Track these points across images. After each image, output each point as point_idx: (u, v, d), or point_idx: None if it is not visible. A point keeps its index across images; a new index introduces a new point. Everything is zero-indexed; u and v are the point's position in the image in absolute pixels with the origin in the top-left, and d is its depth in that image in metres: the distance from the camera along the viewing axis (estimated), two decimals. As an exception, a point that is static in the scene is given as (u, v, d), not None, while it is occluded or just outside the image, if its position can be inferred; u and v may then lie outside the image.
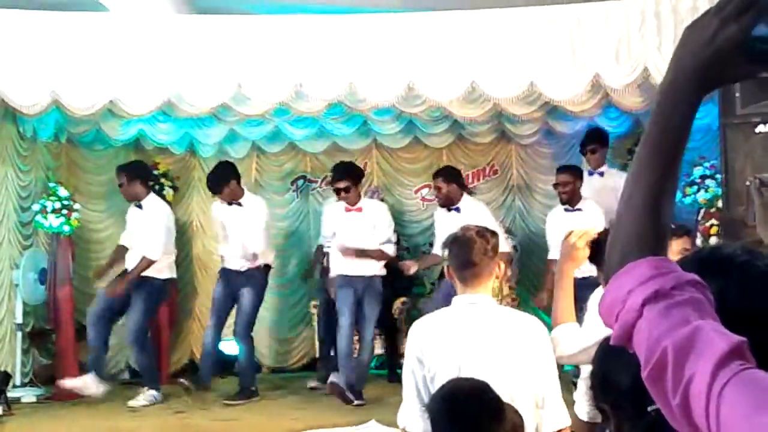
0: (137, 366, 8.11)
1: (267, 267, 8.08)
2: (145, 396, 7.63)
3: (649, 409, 1.88)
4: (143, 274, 7.67)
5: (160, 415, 7.10)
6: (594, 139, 8.23)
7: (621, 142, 9.00)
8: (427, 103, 7.46)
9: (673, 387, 1.07)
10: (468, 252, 3.52)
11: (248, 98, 7.28)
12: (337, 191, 7.78)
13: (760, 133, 6.03)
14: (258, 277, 7.92)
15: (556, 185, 7.89)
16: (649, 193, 1.22)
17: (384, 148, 9.57)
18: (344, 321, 7.51)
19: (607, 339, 2.24)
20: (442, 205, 7.91)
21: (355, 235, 7.69)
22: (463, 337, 3.48)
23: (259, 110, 7.64)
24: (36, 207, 8.03)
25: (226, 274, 7.98)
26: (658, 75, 6.79)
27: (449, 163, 8.95)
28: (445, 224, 7.24)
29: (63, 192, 8.10)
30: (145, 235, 7.75)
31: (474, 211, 7.51)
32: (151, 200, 7.94)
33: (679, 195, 7.89)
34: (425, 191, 9.51)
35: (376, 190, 9.12)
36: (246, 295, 7.83)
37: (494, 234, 3.65)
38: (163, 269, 7.87)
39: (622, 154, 9.00)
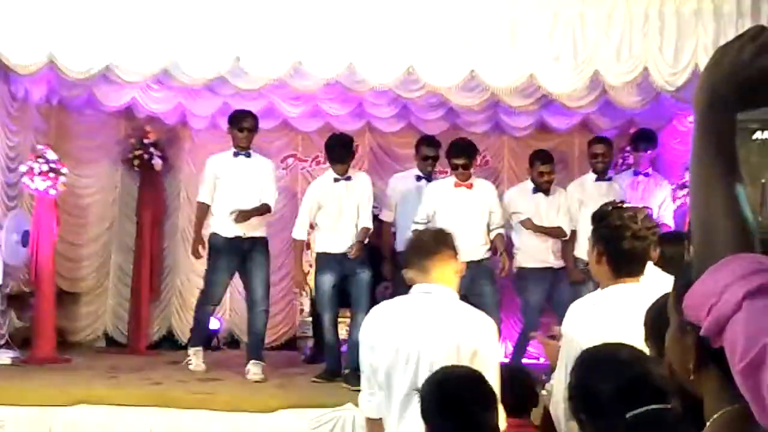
0: None
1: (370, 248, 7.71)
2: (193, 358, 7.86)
3: (627, 415, 2.01)
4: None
5: (138, 385, 7.04)
6: (653, 140, 8.16)
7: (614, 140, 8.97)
8: (425, 89, 7.42)
9: None
10: (426, 241, 3.81)
11: (245, 72, 7.20)
12: (455, 167, 7.52)
13: (757, 140, 6.03)
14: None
15: (595, 155, 7.84)
16: (723, 197, 1.26)
17: (377, 132, 9.52)
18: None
19: (585, 352, 2.36)
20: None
21: (465, 212, 7.42)
22: (411, 325, 3.58)
23: (256, 85, 7.58)
24: (23, 168, 7.94)
25: (326, 260, 7.53)
26: (658, 75, 6.78)
27: (442, 150, 8.60)
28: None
29: (51, 155, 8.00)
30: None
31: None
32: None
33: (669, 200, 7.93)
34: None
35: None
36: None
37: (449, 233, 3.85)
38: (218, 224, 7.62)
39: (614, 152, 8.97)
